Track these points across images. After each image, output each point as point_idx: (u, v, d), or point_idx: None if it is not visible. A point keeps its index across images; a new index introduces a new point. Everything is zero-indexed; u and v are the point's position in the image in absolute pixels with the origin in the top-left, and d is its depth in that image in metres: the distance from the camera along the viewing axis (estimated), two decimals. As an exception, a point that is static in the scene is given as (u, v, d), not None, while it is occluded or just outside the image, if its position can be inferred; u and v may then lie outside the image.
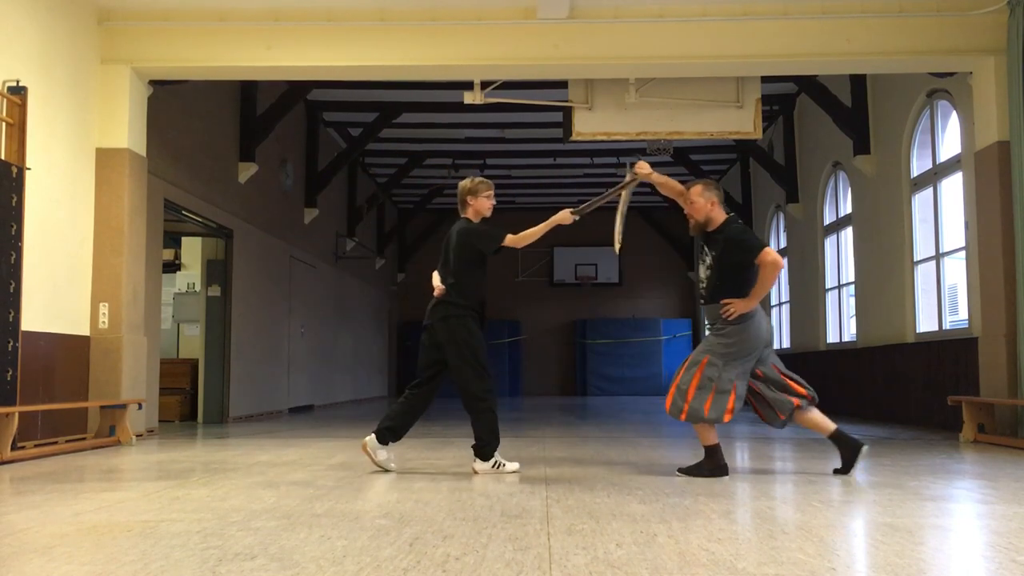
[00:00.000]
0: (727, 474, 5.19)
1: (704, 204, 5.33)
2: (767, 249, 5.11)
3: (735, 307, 5.09)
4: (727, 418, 5.06)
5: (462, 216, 5.56)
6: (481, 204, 5.50)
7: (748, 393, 5.25)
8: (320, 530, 3.48)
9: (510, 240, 5.40)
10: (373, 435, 5.48)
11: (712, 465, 5.19)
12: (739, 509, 4.04)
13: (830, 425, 5.23)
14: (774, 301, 15.94)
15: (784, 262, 5.17)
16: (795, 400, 5.18)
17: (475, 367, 5.32)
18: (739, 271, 5.18)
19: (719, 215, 5.33)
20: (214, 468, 5.78)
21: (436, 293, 5.47)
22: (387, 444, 5.51)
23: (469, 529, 3.50)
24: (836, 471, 5.26)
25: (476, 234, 5.45)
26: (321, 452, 6.88)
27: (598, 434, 8.64)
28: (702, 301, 5.39)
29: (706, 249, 5.36)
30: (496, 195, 5.66)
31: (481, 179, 5.56)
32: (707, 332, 5.35)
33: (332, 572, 2.78)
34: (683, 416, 5.10)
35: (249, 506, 4.11)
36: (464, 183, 5.54)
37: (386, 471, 5.48)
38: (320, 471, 5.55)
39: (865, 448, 5.22)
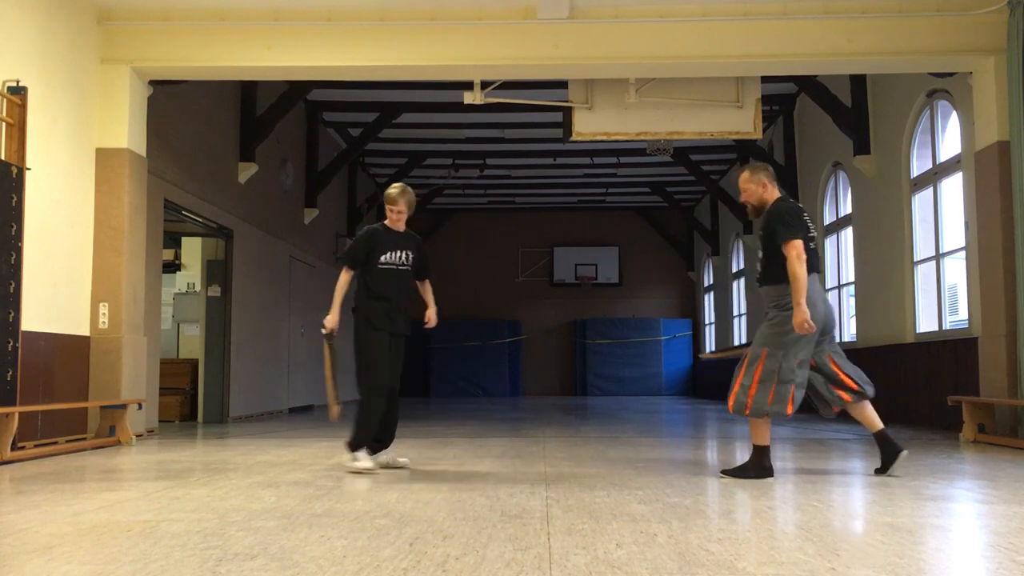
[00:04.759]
0: (772, 476, 5.09)
1: (755, 188, 5.27)
2: (790, 243, 4.93)
3: (795, 321, 4.89)
4: (790, 410, 4.99)
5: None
6: (390, 216, 5.90)
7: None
8: (320, 530, 3.48)
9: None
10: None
11: (758, 467, 5.08)
12: (739, 509, 4.04)
13: (877, 424, 5.23)
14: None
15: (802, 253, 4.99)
16: (845, 396, 5.19)
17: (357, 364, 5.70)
18: (778, 251, 5.04)
19: (771, 195, 5.25)
20: (214, 468, 5.78)
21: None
22: (375, 451, 5.67)
23: (469, 529, 3.50)
24: (876, 471, 5.26)
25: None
26: (321, 452, 6.88)
27: (598, 434, 8.64)
28: (758, 283, 5.33)
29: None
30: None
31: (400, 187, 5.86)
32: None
33: (332, 572, 2.78)
34: (747, 411, 5.01)
35: (249, 506, 4.11)
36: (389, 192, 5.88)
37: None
38: (320, 471, 5.55)
39: (904, 453, 5.20)
